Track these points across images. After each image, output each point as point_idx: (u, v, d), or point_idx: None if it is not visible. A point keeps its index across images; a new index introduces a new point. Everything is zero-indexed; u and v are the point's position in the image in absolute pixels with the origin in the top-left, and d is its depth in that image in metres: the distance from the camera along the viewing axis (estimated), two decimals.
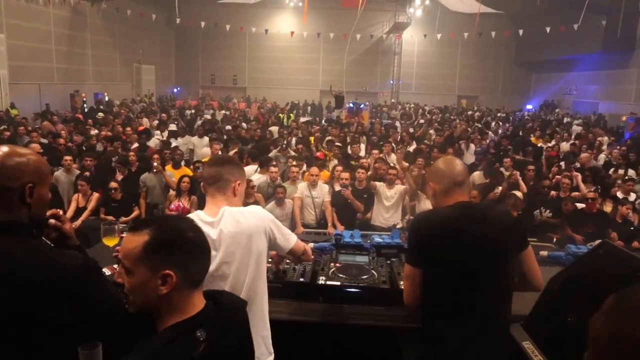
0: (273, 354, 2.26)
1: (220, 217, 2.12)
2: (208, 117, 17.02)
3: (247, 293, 2.11)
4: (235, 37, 28.75)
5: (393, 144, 10.64)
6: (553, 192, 6.84)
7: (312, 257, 2.51)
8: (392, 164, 7.35)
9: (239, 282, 2.10)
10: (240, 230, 2.11)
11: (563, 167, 8.61)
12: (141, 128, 12.08)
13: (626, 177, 7.64)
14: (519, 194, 6.47)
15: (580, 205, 6.22)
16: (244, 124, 13.50)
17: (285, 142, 9.96)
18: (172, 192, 6.56)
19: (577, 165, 8.99)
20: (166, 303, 1.33)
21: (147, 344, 1.27)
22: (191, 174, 7.04)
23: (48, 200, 1.73)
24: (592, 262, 2.49)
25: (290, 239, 2.29)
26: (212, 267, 2.02)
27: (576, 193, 6.67)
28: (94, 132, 11.38)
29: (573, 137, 13.43)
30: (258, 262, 2.15)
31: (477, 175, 7.86)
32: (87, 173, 6.84)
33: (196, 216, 2.11)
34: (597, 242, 2.65)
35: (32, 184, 1.59)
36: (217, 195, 2.23)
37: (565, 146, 12.07)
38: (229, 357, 1.42)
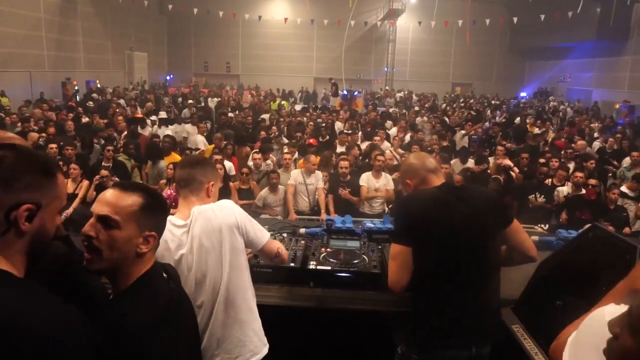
0: (267, 345, 2.25)
1: (191, 220, 2.09)
2: (210, 105, 16.99)
3: (227, 287, 2.09)
4: (228, 23, 28.48)
5: (389, 131, 10.63)
6: (549, 180, 6.90)
7: (286, 259, 2.45)
8: (386, 151, 7.35)
9: (217, 278, 2.08)
10: (212, 227, 2.07)
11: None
12: (139, 115, 11.99)
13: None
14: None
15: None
16: (230, 114, 13.41)
17: (277, 131, 9.91)
18: (162, 181, 6.51)
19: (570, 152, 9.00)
20: (137, 261, 1.45)
21: (130, 292, 1.42)
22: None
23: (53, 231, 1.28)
24: (581, 246, 2.50)
25: (262, 236, 2.22)
26: (192, 266, 2.05)
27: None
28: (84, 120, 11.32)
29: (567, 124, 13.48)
30: (234, 255, 2.11)
31: (469, 164, 7.86)
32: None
33: (169, 222, 2.03)
34: (587, 226, 2.65)
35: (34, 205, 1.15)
36: (190, 197, 2.18)
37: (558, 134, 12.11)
38: (185, 300, 1.67)
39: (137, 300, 1.40)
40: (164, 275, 1.55)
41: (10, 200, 1.08)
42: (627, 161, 8.52)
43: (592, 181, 6.16)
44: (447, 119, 13.44)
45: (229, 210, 2.13)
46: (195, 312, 1.80)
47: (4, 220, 1.08)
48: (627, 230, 5.72)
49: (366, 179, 6.23)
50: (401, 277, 2.15)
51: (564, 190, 6.41)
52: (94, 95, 18.77)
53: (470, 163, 7.84)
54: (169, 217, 2.11)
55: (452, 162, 7.63)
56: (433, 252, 2.11)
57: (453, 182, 2.40)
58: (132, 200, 1.44)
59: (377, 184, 6.21)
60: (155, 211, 1.51)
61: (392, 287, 2.18)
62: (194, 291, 2.05)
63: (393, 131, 10.82)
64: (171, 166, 6.38)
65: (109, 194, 1.47)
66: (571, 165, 7.62)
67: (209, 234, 2.07)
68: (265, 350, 2.22)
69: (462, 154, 8.28)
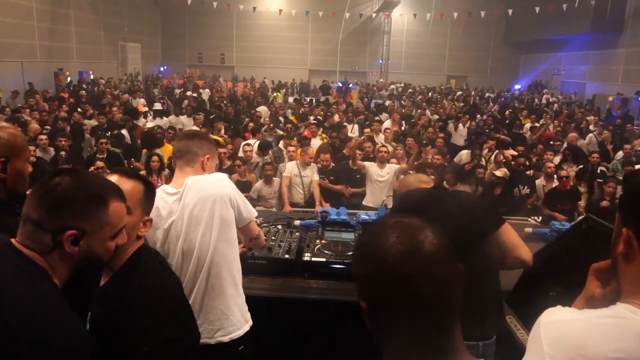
0: (250, 321, 2.25)
1: (184, 188, 2.11)
2: (204, 96, 16.94)
3: (212, 257, 2.10)
4: (223, 14, 28.28)
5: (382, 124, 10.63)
6: (531, 171, 6.98)
7: (264, 244, 2.52)
8: (379, 144, 7.34)
9: (204, 247, 2.09)
10: (204, 196, 2.10)
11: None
12: (140, 108, 11.96)
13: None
14: (499, 172, 6.52)
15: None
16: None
17: (270, 123, 9.90)
18: (142, 172, 6.47)
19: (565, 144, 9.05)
20: (135, 242, 1.57)
21: (125, 270, 1.52)
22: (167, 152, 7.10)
23: (27, 174, 1.69)
24: (574, 237, 2.51)
25: (250, 212, 2.25)
26: (180, 234, 2.08)
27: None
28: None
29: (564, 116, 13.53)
30: (223, 226, 2.12)
31: (465, 155, 7.89)
32: (63, 153, 6.77)
33: (161, 190, 2.12)
34: (580, 217, 2.67)
35: (4, 158, 1.55)
36: (185, 168, 2.22)
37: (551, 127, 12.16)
38: (171, 271, 1.77)
39: (133, 279, 1.52)
40: (151, 250, 1.68)
41: (55, 224, 1.19)
42: (619, 154, 8.57)
43: (563, 172, 6.30)
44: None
45: (222, 182, 2.17)
46: (180, 282, 1.84)
47: (51, 241, 1.19)
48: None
49: (372, 168, 6.28)
50: None
51: (539, 182, 6.50)
52: (84, 86, 18.63)
53: (465, 154, 7.87)
54: (163, 186, 2.19)
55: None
56: None
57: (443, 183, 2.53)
58: (136, 186, 1.59)
59: (380, 172, 6.24)
60: (151, 197, 1.68)
61: None
62: (180, 259, 2.08)
63: (387, 123, 10.81)
64: (156, 158, 6.39)
65: (117, 182, 1.50)
66: (558, 158, 7.68)
67: (200, 203, 2.09)
68: (247, 327, 2.21)
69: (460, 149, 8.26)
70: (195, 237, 2.08)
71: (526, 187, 6.50)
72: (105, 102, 13.00)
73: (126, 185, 1.54)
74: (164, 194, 2.11)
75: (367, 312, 0.98)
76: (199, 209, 2.08)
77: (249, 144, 7.25)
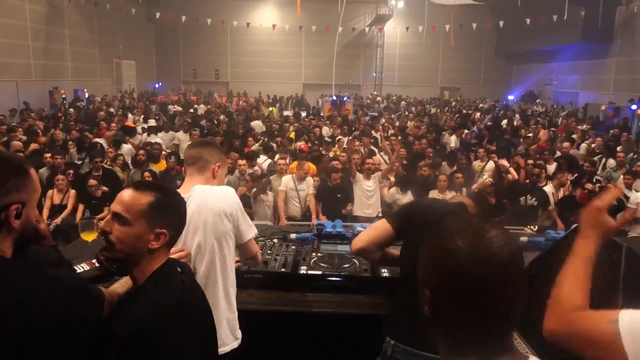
0: (240, 340, 2.24)
1: (190, 194, 2.13)
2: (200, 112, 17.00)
3: (208, 268, 2.12)
4: (217, 31, 28.48)
5: (377, 135, 10.68)
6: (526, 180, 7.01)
7: (260, 263, 2.53)
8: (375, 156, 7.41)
9: (199, 255, 2.11)
10: (206, 206, 2.12)
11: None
12: (128, 123, 11.97)
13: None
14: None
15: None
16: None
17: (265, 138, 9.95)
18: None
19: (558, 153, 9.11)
20: (149, 256, 1.53)
21: (147, 285, 1.51)
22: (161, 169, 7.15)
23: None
24: (569, 245, 2.51)
25: (250, 230, 2.27)
26: (179, 240, 2.07)
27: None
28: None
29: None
30: (221, 241, 2.14)
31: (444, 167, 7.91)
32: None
33: None
34: (574, 226, 2.67)
35: (20, 204, 1.30)
36: (196, 175, 2.25)
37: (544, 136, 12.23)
38: (197, 290, 1.70)
39: (151, 293, 1.50)
40: (178, 269, 1.61)
41: None
42: (611, 162, 8.61)
43: (589, 185, 6.15)
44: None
45: (226, 196, 2.19)
46: (207, 299, 1.79)
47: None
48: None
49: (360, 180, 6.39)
50: (365, 243, 2.25)
51: (548, 190, 6.47)
52: (78, 104, 18.66)
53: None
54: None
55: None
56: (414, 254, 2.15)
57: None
58: (143, 199, 1.53)
59: (368, 183, 6.33)
60: (169, 209, 1.58)
61: (353, 246, 2.32)
62: None
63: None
64: (147, 174, 6.44)
65: (125, 193, 1.57)
66: (553, 166, 7.72)
67: (202, 212, 2.11)
68: (235, 344, 2.21)
69: (451, 157, 8.33)
70: (191, 246, 2.09)
71: (534, 198, 6.48)
72: (99, 119, 13.01)
73: (124, 195, 1.55)
74: None
75: (430, 301, 1.00)
76: (197, 218, 2.10)
77: (242, 159, 7.26)
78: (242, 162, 6.99)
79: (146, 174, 6.48)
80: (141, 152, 7.55)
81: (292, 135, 10.88)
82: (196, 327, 1.58)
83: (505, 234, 0.99)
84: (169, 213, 1.58)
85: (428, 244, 1.05)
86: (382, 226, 2.24)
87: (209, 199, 2.13)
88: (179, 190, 2.16)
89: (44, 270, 1.37)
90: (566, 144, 9.74)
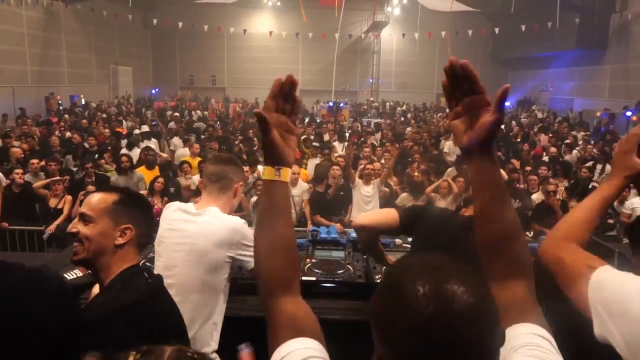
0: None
1: (201, 212, 2.14)
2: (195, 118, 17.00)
3: (195, 294, 2.12)
4: (214, 37, 28.52)
5: (374, 142, 10.72)
6: (522, 185, 7.01)
7: None
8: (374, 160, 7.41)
9: (185, 279, 2.11)
10: (206, 233, 2.11)
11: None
12: (120, 129, 11.97)
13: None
14: None
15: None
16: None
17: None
18: (143, 192, 6.46)
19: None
20: (116, 254, 1.58)
21: (109, 285, 1.54)
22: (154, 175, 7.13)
23: None
24: None
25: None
26: (172, 254, 2.13)
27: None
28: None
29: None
30: (207, 275, 2.13)
31: (451, 171, 7.93)
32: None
33: (179, 208, 2.21)
34: None
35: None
36: (215, 193, 2.21)
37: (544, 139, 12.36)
38: (163, 292, 1.67)
39: (108, 293, 1.53)
40: (144, 273, 1.62)
41: None
42: (608, 169, 8.63)
43: (551, 187, 6.09)
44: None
45: (230, 230, 2.14)
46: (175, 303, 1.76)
47: None
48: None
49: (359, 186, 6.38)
50: (368, 217, 2.30)
51: (535, 197, 6.46)
52: (76, 110, 18.66)
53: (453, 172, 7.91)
54: (187, 204, 2.23)
55: (448, 170, 7.75)
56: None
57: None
58: (108, 198, 1.62)
59: (367, 189, 6.34)
60: (132, 206, 1.65)
61: (355, 220, 2.36)
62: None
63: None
64: (161, 180, 6.43)
65: (92, 195, 1.66)
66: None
67: (200, 237, 2.10)
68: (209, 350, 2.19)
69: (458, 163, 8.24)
70: (179, 269, 2.11)
71: (517, 200, 6.50)
72: (94, 125, 13.01)
73: (91, 197, 1.64)
74: (181, 212, 2.17)
75: (383, 356, 0.86)
76: (197, 243, 2.10)
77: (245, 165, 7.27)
78: (245, 168, 6.97)
79: (159, 179, 6.49)
80: (124, 158, 7.51)
81: None
82: (155, 330, 1.53)
83: (470, 279, 0.82)
84: (133, 210, 1.64)
85: (385, 279, 0.92)
86: (390, 213, 2.22)
87: (214, 227, 2.12)
88: (194, 204, 2.21)
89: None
90: (553, 149, 9.75)
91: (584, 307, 1.21)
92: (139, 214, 1.67)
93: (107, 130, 11.16)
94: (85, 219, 1.58)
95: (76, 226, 1.59)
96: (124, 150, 8.77)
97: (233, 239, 2.13)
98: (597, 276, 1.21)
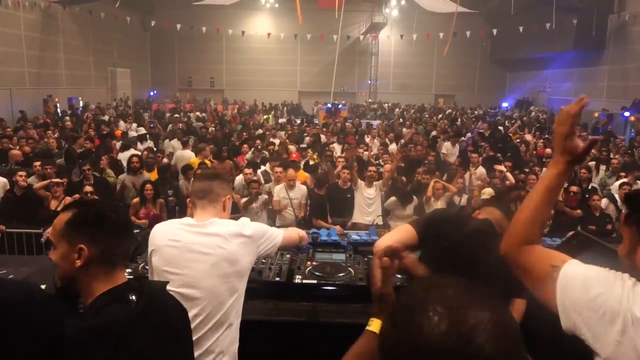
0: None
1: (207, 224, 2.16)
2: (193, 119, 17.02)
3: (222, 299, 2.13)
4: (212, 39, 28.51)
5: (375, 140, 10.74)
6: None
7: (306, 240, 2.59)
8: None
9: (214, 292, 2.12)
10: (226, 242, 2.13)
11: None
12: (118, 132, 11.95)
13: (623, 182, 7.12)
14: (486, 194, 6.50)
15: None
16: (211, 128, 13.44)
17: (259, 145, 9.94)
18: (135, 200, 6.38)
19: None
20: (86, 276, 1.45)
21: (88, 308, 1.43)
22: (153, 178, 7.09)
23: None
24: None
25: (275, 243, 2.30)
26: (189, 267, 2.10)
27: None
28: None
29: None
30: (241, 276, 2.20)
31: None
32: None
33: (181, 223, 2.19)
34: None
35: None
36: (208, 207, 2.26)
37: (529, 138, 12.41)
38: (162, 320, 1.53)
39: (86, 316, 1.43)
40: (130, 295, 1.46)
41: None
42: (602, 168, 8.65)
43: (573, 188, 6.18)
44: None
45: (247, 230, 2.19)
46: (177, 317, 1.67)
47: None
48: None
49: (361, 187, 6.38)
50: (392, 237, 2.18)
51: None
52: (76, 112, 18.65)
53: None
54: (184, 219, 2.23)
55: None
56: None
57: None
58: (63, 218, 1.49)
59: (369, 191, 6.35)
60: (86, 223, 1.47)
61: (378, 243, 2.23)
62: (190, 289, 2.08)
63: (377, 142, 10.91)
64: (149, 186, 6.34)
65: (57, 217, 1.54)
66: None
67: (224, 246, 2.12)
68: None
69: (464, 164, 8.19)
70: (209, 277, 2.11)
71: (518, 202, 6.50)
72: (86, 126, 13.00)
73: (56, 220, 1.52)
74: (183, 226, 2.17)
75: None
76: (217, 252, 2.11)
77: (248, 167, 7.25)
78: (248, 170, 6.91)
79: (147, 186, 6.29)
80: (134, 159, 7.49)
81: (288, 142, 10.88)
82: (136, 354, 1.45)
83: (494, 312, 0.76)
84: (89, 226, 1.46)
85: (399, 301, 0.87)
86: (408, 229, 2.18)
87: (227, 244, 2.14)
88: (194, 217, 2.22)
89: None
90: (548, 150, 9.77)
91: (552, 304, 1.26)
92: (97, 231, 1.47)
93: (92, 132, 11.13)
94: (50, 244, 1.51)
95: (49, 251, 1.53)
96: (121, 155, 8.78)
97: (252, 237, 2.20)
98: (564, 275, 1.26)
